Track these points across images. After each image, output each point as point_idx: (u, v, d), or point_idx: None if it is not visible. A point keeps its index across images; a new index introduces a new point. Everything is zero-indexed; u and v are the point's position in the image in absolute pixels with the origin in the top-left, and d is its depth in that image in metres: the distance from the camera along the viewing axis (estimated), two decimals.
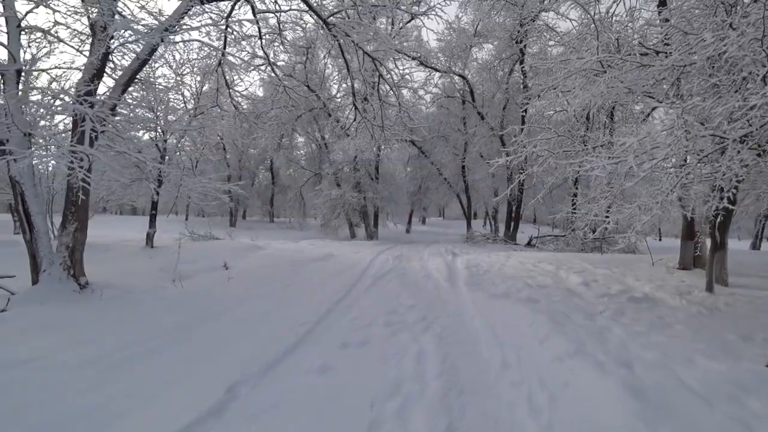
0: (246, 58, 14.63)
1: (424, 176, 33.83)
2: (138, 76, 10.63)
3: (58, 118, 9.98)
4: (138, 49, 10.02)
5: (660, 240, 43.10)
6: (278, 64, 27.24)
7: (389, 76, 12.68)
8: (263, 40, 13.66)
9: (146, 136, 19.21)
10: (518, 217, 27.71)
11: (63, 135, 10.02)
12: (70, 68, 10.07)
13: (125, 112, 10.68)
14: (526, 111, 24.04)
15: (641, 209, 7.66)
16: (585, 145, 10.18)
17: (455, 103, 30.55)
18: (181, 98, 19.42)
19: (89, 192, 9.56)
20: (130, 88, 10.97)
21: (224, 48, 13.54)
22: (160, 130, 18.84)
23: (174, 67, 18.55)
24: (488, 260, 15.07)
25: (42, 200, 9.53)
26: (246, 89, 31.18)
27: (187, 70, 18.59)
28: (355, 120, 13.99)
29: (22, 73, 9.32)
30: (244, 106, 33.49)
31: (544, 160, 11.20)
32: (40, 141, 9.30)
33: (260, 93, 30.57)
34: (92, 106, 8.84)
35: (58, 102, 8.74)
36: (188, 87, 20.32)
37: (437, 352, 5.73)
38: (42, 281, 9.19)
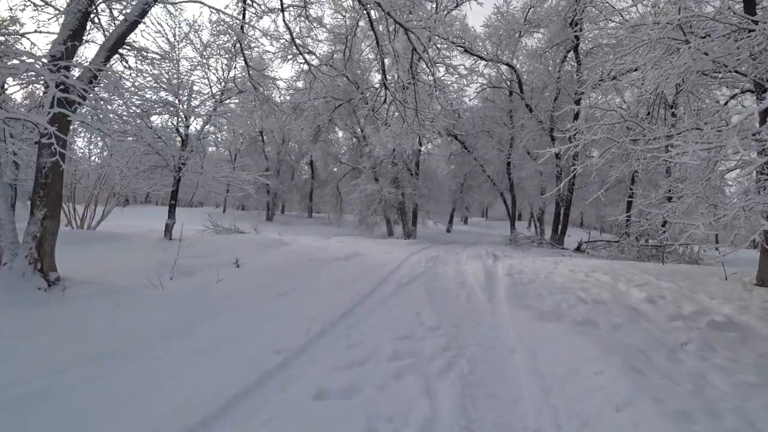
0: (268, 36, 12.91)
1: (466, 173, 31.71)
2: (131, 42, 9.03)
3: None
4: (127, 10, 8.48)
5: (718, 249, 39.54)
6: (315, 52, 25.84)
7: (424, 51, 10.72)
8: (286, 14, 11.99)
9: (169, 122, 17.82)
10: (567, 220, 25.33)
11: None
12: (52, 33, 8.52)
13: (105, 81, 9.02)
14: (578, 102, 21.77)
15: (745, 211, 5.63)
16: (673, 127, 8.06)
17: (501, 94, 28.36)
18: (207, 82, 17.92)
19: (60, 174, 8.00)
20: (131, 57, 9.47)
21: (243, 17, 11.96)
22: (182, 115, 17.41)
23: (200, 48, 17.20)
24: (533, 266, 13.00)
25: (4, 182, 8.02)
26: (278, 76, 30.10)
27: (214, 52, 17.14)
28: (385, 101, 12.14)
29: None
30: (281, 97, 32.28)
31: (606, 150, 9.18)
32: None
33: (300, 85, 28.95)
34: (61, 69, 7.26)
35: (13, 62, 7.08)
36: (214, 70, 18.79)
37: (457, 416, 3.75)
38: (2, 276, 7.69)
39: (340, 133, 36.89)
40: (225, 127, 31.52)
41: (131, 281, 8.60)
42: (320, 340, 5.58)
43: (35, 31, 8.40)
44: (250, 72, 13.36)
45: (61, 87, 7.07)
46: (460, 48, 22.80)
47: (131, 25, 8.40)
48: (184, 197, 55.41)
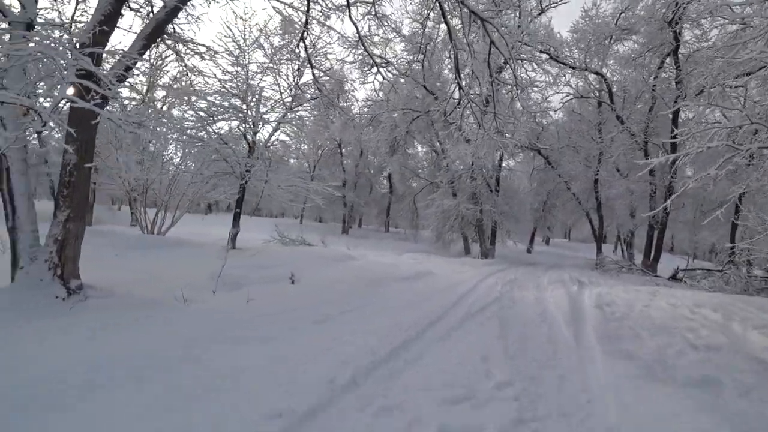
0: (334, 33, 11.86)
1: (549, 191, 29.55)
2: (177, 34, 8.14)
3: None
4: None
5: None
6: (393, 62, 24.88)
7: (502, 41, 9.20)
8: (352, 9, 10.85)
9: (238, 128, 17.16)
10: (661, 244, 22.66)
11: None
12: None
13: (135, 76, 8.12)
14: (677, 113, 19.48)
15: None
16: None
17: (588, 106, 26.16)
18: (277, 88, 17.13)
19: (87, 172, 7.10)
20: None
21: (307, 10, 10.92)
22: (250, 121, 16.69)
23: (270, 53, 16.47)
24: (625, 297, 11.07)
25: (29, 179, 7.22)
26: (355, 88, 29.31)
27: (284, 57, 16.37)
28: (459, 103, 10.69)
29: (35, 27, 7.12)
30: (359, 109, 31.52)
31: (727, 159, 7.36)
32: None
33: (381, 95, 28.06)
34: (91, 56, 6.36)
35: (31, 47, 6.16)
36: (285, 77, 17.93)
37: None
38: (17, 281, 6.86)
39: (420, 147, 35.69)
40: (303, 139, 31.06)
41: (163, 293, 7.59)
42: (344, 396, 4.09)
43: (71, 22, 7.68)
44: (315, 73, 12.36)
45: (82, 74, 6.15)
46: (544, 54, 20.98)
47: (171, 11, 7.47)
48: (266, 207, 55.94)
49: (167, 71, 9.77)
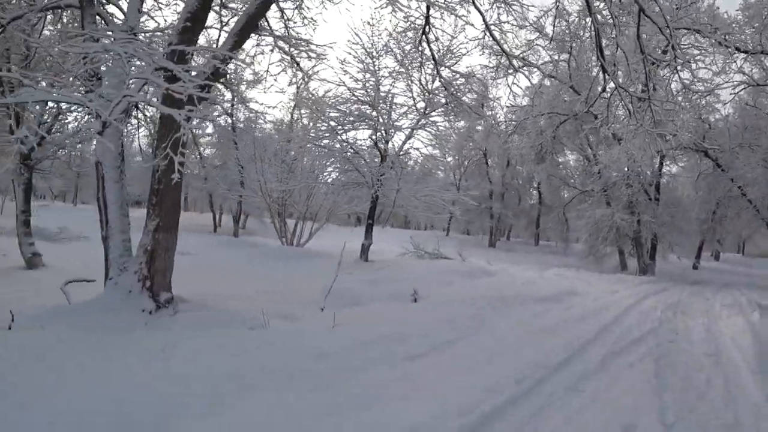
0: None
1: (719, 198, 25.46)
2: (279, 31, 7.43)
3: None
4: None
5: None
6: (537, 64, 23.10)
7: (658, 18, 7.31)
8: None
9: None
10: None
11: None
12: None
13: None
14: None
15: None
16: None
17: (764, 99, 22.15)
18: (410, 94, 16.21)
19: (174, 180, 6.48)
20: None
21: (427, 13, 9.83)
22: (382, 129, 15.95)
23: (400, 58, 15.57)
24: None
25: (123, 187, 6.85)
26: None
27: (415, 61, 15.38)
28: (604, 90, 8.90)
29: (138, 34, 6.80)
30: (504, 116, 29.81)
31: None
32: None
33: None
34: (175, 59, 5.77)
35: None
36: (417, 81, 16.94)
37: None
38: (106, 292, 6.51)
39: (570, 155, 33.06)
40: (448, 150, 30.06)
41: (258, 308, 6.71)
42: None
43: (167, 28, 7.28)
44: (441, 72, 11.18)
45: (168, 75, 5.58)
46: (708, 37, 17.79)
47: (262, 4, 6.73)
48: (412, 219, 55.45)
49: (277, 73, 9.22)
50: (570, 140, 27.24)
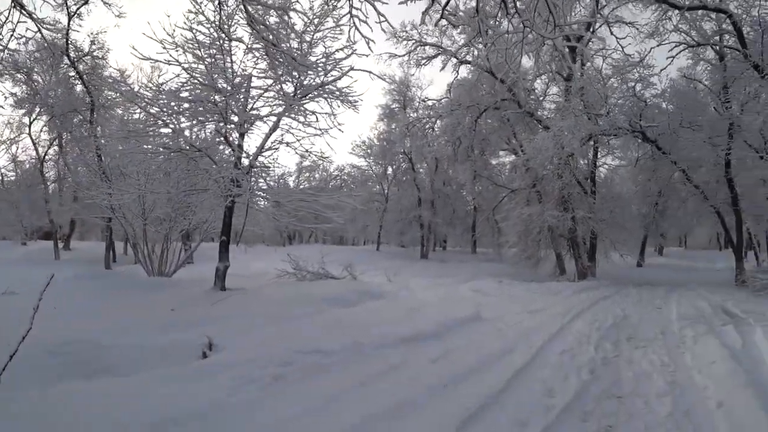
0: None
1: (661, 187, 22.16)
2: None
3: None
4: None
5: None
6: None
7: None
8: None
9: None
10: None
11: None
12: None
13: None
14: None
15: None
16: None
17: (706, 67, 18.95)
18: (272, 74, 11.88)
19: None
20: None
21: None
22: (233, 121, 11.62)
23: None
24: None
25: None
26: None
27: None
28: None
29: None
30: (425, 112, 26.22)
31: None
32: None
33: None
34: None
35: None
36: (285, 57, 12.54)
37: None
38: None
39: (506, 158, 29.72)
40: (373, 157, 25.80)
41: None
42: None
43: None
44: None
45: None
46: None
47: None
48: (336, 234, 50.95)
49: None
50: (496, 134, 23.86)
